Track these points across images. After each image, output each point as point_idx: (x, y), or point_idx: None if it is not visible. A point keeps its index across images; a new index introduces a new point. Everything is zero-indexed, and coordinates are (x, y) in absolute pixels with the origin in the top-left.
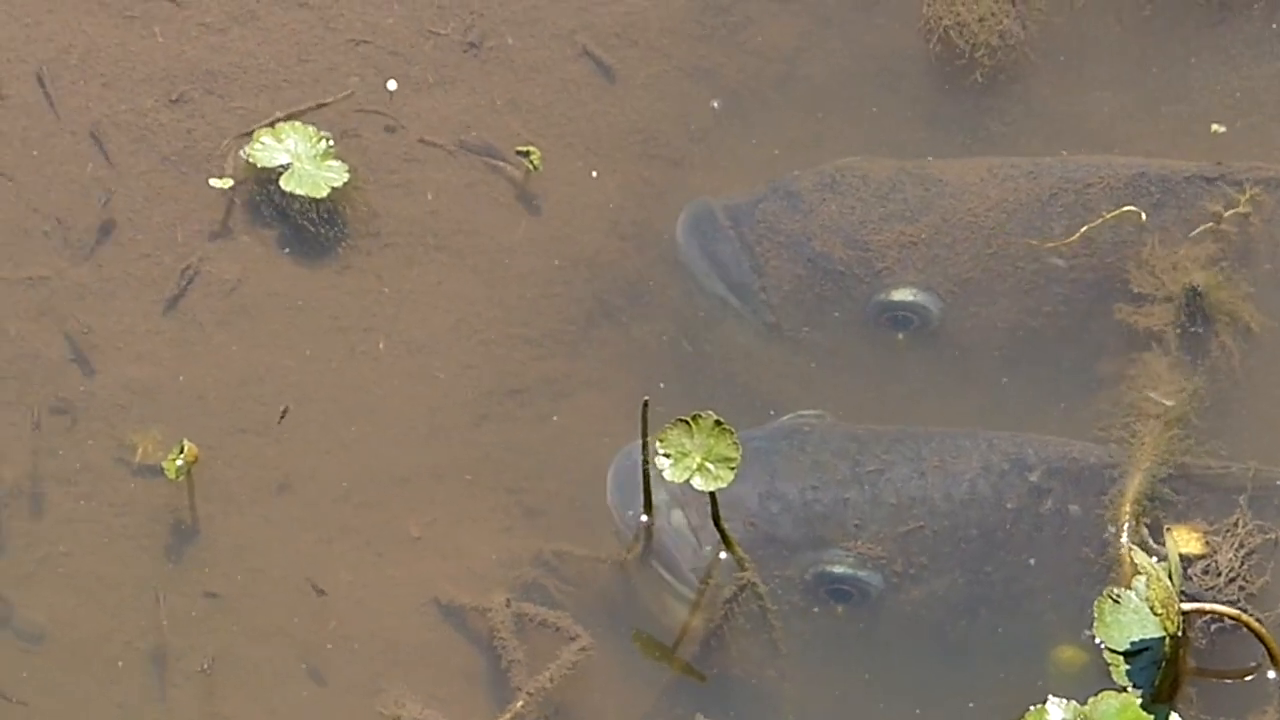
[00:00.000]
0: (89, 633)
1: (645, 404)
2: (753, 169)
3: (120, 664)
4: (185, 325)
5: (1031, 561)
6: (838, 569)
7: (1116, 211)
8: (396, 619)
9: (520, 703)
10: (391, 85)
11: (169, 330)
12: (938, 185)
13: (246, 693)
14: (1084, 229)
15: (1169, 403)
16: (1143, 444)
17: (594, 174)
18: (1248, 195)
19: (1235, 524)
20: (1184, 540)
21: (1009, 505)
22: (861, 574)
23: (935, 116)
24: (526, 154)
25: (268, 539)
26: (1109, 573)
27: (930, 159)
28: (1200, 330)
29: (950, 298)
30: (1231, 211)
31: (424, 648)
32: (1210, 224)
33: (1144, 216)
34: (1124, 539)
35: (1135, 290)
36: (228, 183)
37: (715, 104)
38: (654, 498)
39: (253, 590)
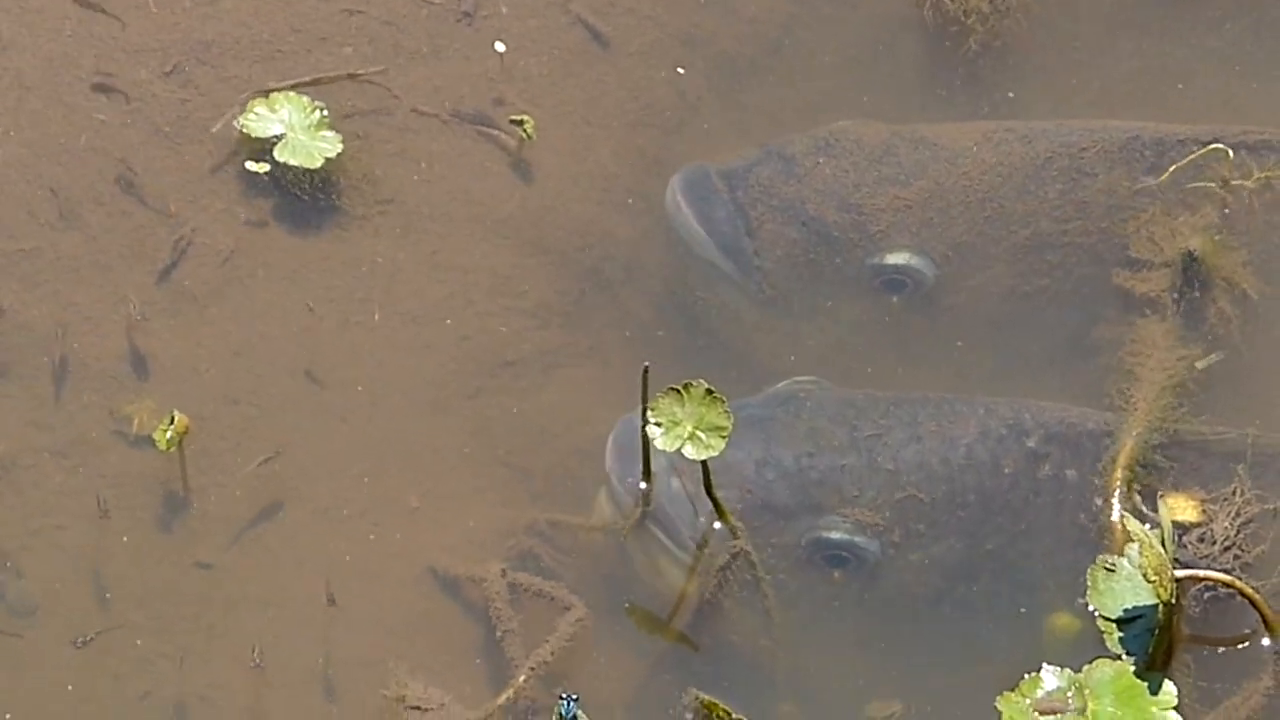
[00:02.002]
0: (82, 606)
1: (645, 371)
2: (747, 136)
3: (114, 635)
4: (178, 297)
5: (1028, 527)
6: (834, 535)
7: (1203, 150)
8: (393, 589)
9: (523, 677)
10: (500, 47)
11: (162, 301)
12: (932, 149)
13: (241, 664)
14: (1172, 168)
15: (1199, 365)
16: (1136, 410)
17: (588, 142)
18: (1259, 176)
19: (1234, 492)
20: (1180, 508)
21: (1006, 470)
22: (858, 540)
23: (929, 83)
24: (520, 123)
25: (261, 511)
26: (1105, 539)
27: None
28: (1198, 296)
29: (944, 261)
30: (1240, 181)
31: (420, 618)
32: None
33: (1230, 154)
34: (1115, 506)
35: (1133, 255)
36: (264, 167)
37: (680, 70)
38: (653, 465)
39: (246, 561)
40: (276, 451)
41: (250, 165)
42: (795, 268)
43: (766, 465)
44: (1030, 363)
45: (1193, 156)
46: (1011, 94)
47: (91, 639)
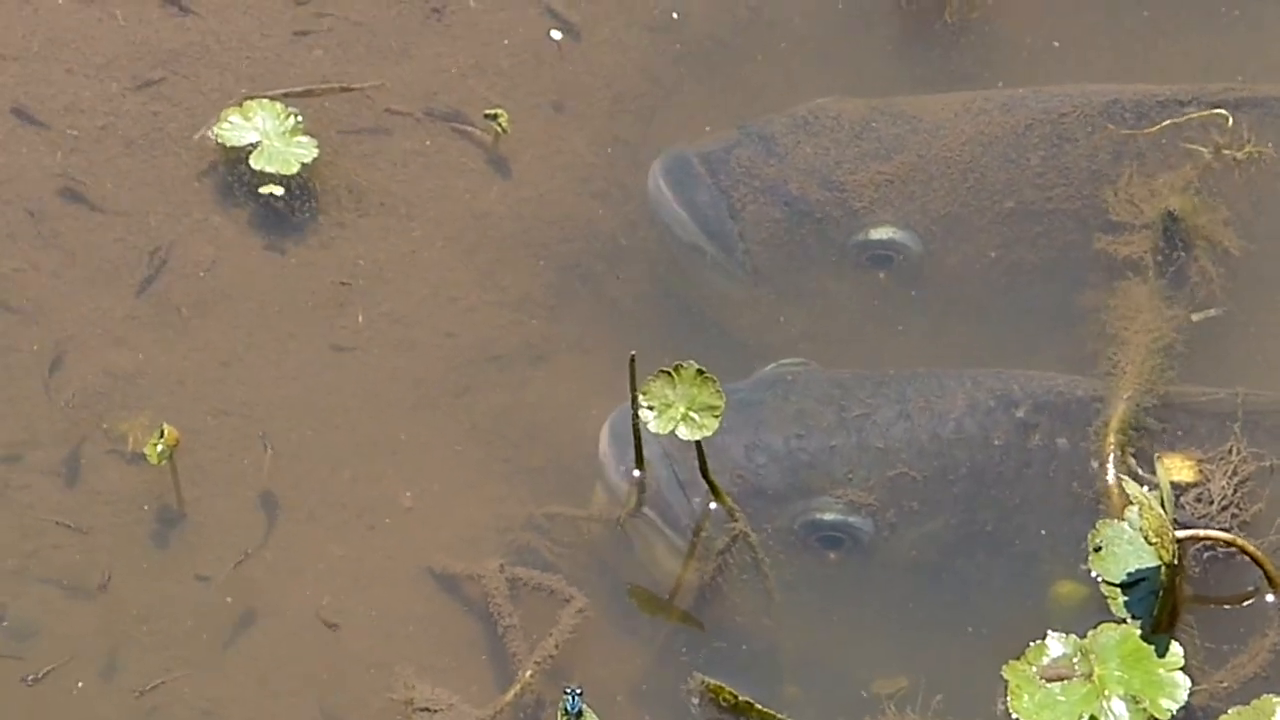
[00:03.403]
0: (81, 627)
1: (633, 359)
2: (723, 119)
3: (115, 655)
4: (162, 309)
5: (1021, 498)
6: (827, 516)
7: (1204, 113)
8: (392, 591)
9: (529, 673)
10: (555, 35)
11: (145, 315)
12: (912, 122)
13: (245, 676)
14: (1167, 122)
15: (1195, 317)
16: (1125, 373)
17: (563, 133)
18: (1249, 149)
19: (1229, 451)
20: (1176, 468)
21: (996, 442)
22: (851, 520)
23: (907, 57)
24: (494, 117)
25: (257, 520)
26: (1100, 505)
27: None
28: (1181, 255)
29: (929, 234)
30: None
31: (421, 618)
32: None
33: (1230, 120)
34: (1110, 470)
35: (1114, 219)
36: (278, 189)
37: (674, 15)
38: (646, 452)
39: (244, 572)
40: (269, 448)
41: (264, 190)
42: (780, 248)
43: (756, 449)
44: (1019, 332)
45: (1192, 117)
46: (989, 66)
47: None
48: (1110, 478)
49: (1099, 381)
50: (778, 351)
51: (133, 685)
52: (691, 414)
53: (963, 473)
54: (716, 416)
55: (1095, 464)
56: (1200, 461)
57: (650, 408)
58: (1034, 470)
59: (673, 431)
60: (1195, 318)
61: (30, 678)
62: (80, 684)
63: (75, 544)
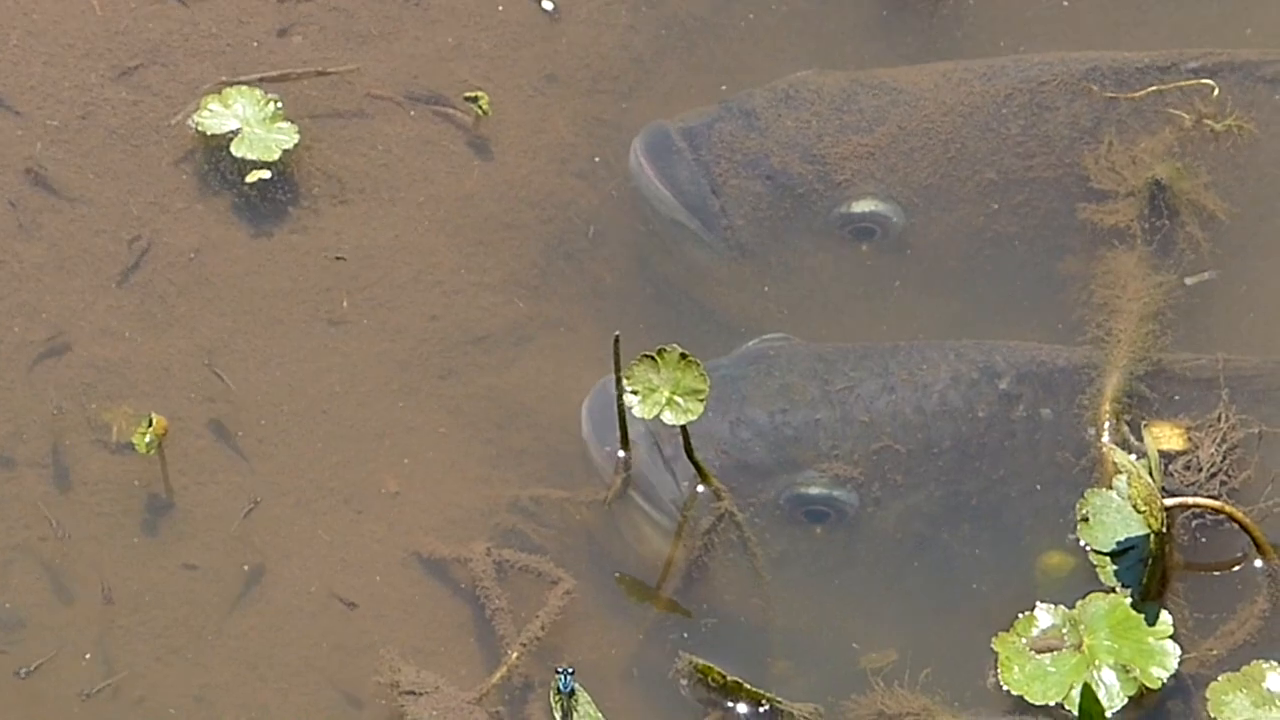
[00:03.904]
0: (70, 617)
1: (616, 339)
2: (704, 96)
3: (108, 643)
4: (146, 298)
5: (1006, 469)
6: (812, 490)
7: (1187, 82)
8: (379, 576)
9: (515, 654)
10: (548, 5)
11: (130, 305)
12: (893, 94)
13: (235, 662)
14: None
15: (1189, 281)
16: (1117, 342)
17: (544, 113)
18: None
19: (1218, 418)
20: (1165, 436)
21: (980, 414)
22: (836, 493)
23: (887, 29)
24: (475, 99)
25: (243, 506)
26: (1087, 475)
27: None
28: (1167, 222)
29: (911, 206)
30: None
31: (408, 601)
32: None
33: (1215, 91)
34: (1105, 438)
35: (1097, 187)
36: (265, 174)
37: None
38: (630, 431)
39: (231, 559)
40: (257, 441)
41: (251, 176)
42: (763, 222)
43: (741, 425)
44: (1002, 302)
45: (1180, 85)
46: (970, 37)
47: (88, 656)
48: (1104, 446)
49: (1082, 351)
50: (761, 326)
51: (122, 674)
52: (676, 398)
53: (947, 445)
54: (701, 400)
55: (1082, 433)
56: (1189, 429)
57: (635, 392)
58: (1018, 441)
59: (658, 416)
60: (1189, 281)
61: (24, 671)
62: (71, 675)
63: (63, 535)
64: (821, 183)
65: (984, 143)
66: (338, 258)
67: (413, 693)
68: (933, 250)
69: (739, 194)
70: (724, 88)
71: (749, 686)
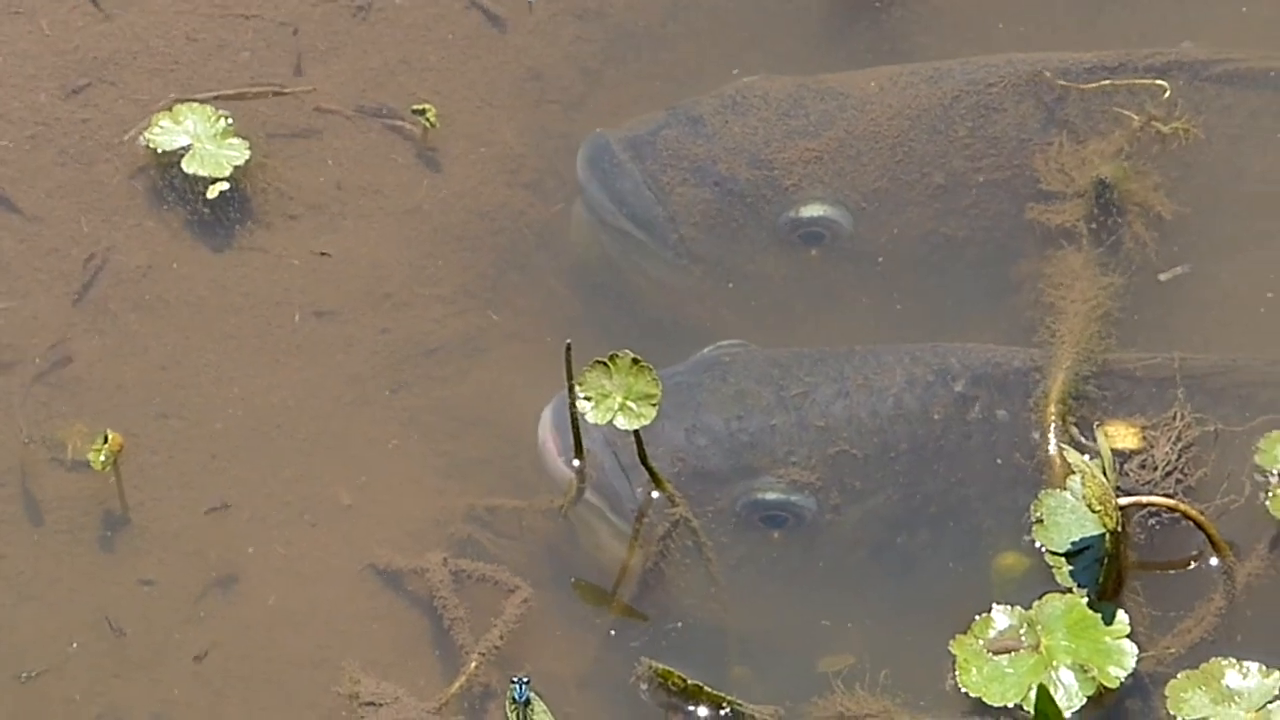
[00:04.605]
0: (26, 635)
1: (569, 348)
2: (652, 104)
3: (65, 660)
4: (99, 315)
5: (963, 471)
6: (769, 496)
7: (1143, 81)
8: (336, 588)
9: (474, 664)
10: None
11: (82, 322)
12: (840, 98)
13: (193, 677)
14: (1105, 82)
15: (1163, 277)
16: (1064, 343)
17: (492, 125)
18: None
19: (1174, 417)
20: (1120, 435)
21: (936, 417)
22: (793, 498)
23: (835, 34)
24: (423, 112)
25: (199, 521)
26: (1042, 476)
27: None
28: (1115, 222)
29: (860, 210)
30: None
31: (366, 614)
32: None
33: (1167, 92)
34: (1051, 440)
35: (1045, 188)
36: (222, 186)
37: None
38: (586, 440)
39: (187, 575)
40: (211, 456)
41: (210, 192)
42: (712, 230)
43: (697, 432)
44: (955, 304)
45: (1134, 82)
46: (917, 42)
47: (37, 675)
48: (1052, 448)
49: (1036, 351)
50: (714, 334)
51: (80, 692)
52: (629, 403)
53: (903, 448)
54: (654, 405)
55: (1037, 434)
56: (1144, 428)
57: (588, 398)
58: (975, 443)
59: (611, 421)
60: (1163, 277)
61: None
62: (27, 692)
63: (20, 552)
64: (769, 188)
65: (931, 145)
66: (322, 253)
67: (373, 704)
68: (882, 253)
69: (687, 201)
70: (673, 96)
71: (709, 690)
